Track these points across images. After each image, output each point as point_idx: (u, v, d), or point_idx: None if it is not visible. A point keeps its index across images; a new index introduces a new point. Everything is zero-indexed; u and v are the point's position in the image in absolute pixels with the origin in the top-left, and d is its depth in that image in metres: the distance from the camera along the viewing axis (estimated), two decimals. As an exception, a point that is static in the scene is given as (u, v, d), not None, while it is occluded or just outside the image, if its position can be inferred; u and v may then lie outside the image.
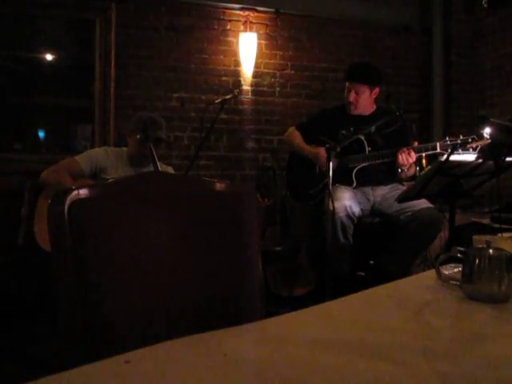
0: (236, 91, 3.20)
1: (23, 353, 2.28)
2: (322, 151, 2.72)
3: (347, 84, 2.87)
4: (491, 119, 2.11)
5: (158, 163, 2.46)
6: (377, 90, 2.89)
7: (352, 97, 2.83)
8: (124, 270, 0.91)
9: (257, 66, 3.98)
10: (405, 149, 2.65)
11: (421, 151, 2.69)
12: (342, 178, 2.71)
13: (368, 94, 2.86)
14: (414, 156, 2.65)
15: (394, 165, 2.71)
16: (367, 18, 4.22)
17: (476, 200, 3.71)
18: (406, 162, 2.64)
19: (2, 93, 3.52)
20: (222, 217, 1.04)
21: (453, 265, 1.11)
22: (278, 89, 4.07)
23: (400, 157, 2.63)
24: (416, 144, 2.76)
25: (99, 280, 0.87)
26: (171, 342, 0.70)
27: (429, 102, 4.36)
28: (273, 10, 4.00)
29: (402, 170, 2.70)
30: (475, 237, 1.28)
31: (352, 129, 2.76)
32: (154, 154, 2.44)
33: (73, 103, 3.75)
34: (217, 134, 3.85)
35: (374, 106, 2.94)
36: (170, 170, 2.80)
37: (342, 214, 2.52)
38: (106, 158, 2.55)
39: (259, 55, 3.97)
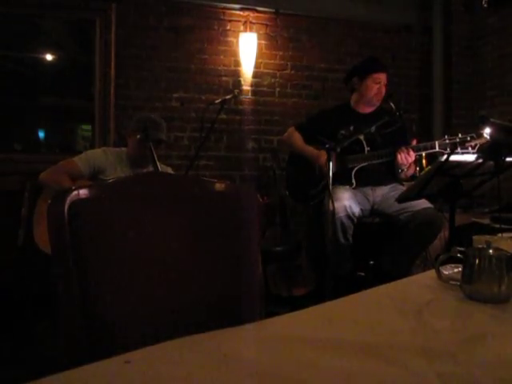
0: (236, 91, 3.21)
1: (23, 353, 2.28)
2: (323, 154, 2.70)
3: (372, 77, 2.79)
4: (491, 119, 2.11)
5: (157, 164, 2.45)
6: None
7: (383, 88, 2.80)
8: (124, 270, 0.91)
9: (257, 66, 3.98)
10: (404, 148, 2.64)
11: (420, 150, 2.69)
12: (342, 179, 2.70)
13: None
14: (413, 155, 2.64)
15: (393, 165, 2.71)
16: (367, 18, 4.22)
17: (476, 200, 3.71)
18: (405, 162, 2.63)
19: (2, 93, 3.52)
20: (221, 217, 1.04)
21: (453, 265, 1.11)
22: (277, 89, 4.07)
23: (399, 156, 2.63)
24: (415, 141, 2.75)
25: (99, 280, 0.87)
26: (171, 342, 0.70)
27: (429, 102, 4.35)
28: (273, 10, 4.00)
29: (402, 170, 2.70)
30: (475, 237, 1.28)
31: (352, 128, 2.75)
32: (154, 154, 2.44)
33: (73, 103, 3.75)
34: (217, 134, 3.85)
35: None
36: (170, 170, 2.79)
37: (341, 214, 2.51)
38: (104, 160, 2.55)
39: (259, 55, 3.97)
